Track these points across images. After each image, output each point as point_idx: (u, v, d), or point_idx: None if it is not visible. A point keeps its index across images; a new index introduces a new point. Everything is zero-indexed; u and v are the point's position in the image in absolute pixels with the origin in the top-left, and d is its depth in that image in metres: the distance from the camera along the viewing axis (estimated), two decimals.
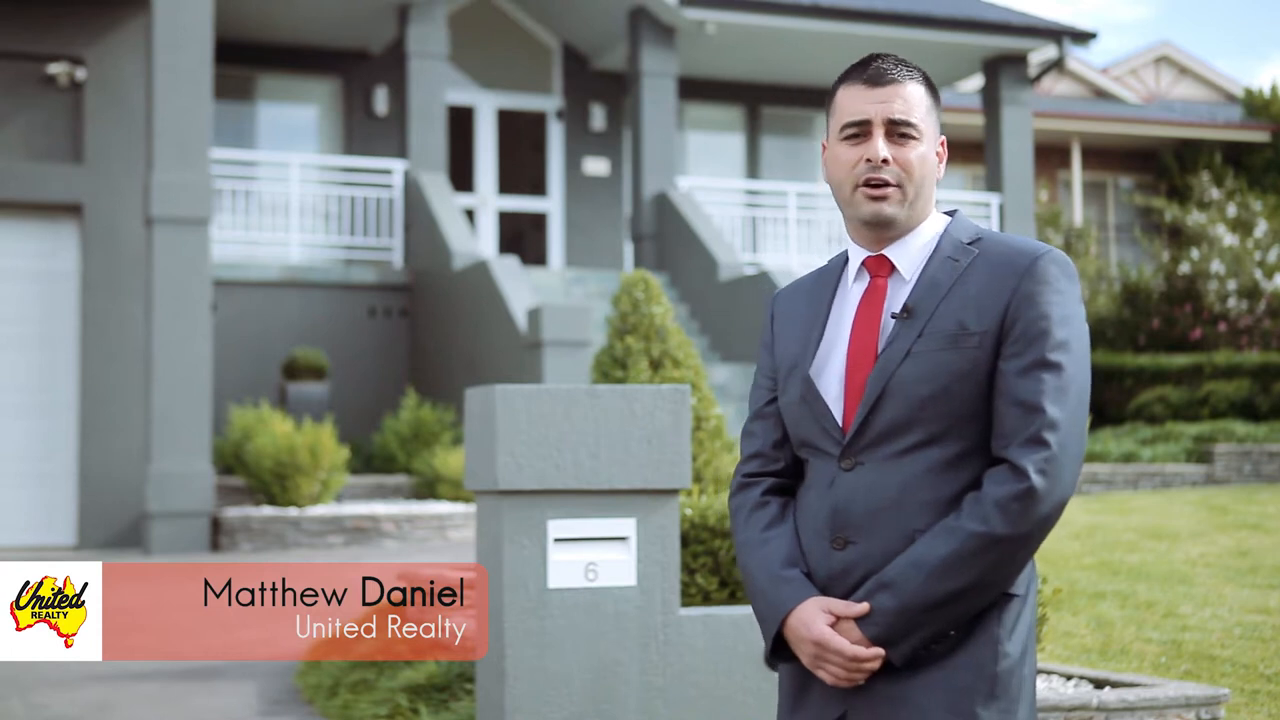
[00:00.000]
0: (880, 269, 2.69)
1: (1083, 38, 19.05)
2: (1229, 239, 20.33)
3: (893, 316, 2.62)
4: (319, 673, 6.93)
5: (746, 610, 4.93)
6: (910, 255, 2.67)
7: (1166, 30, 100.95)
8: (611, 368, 6.69)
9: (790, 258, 18.45)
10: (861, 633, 2.53)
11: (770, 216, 19.09)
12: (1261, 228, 20.61)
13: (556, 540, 4.63)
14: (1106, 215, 25.05)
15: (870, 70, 2.67)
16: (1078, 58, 23.66)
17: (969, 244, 2.65)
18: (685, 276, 16.81)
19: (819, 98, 20.72)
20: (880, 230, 2.66)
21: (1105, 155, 25.04)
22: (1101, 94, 26.99)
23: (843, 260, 2.79)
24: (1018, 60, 19.01)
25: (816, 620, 2.56)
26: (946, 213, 2.75)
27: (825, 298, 2.75)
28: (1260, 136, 24.24)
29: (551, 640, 4.61)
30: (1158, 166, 25.02)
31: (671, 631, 4.75)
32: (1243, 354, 17.98)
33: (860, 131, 2.66)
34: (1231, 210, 21.47)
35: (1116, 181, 25.35)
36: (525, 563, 4.60)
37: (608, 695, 4.65)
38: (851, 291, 2.72)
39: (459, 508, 12.85)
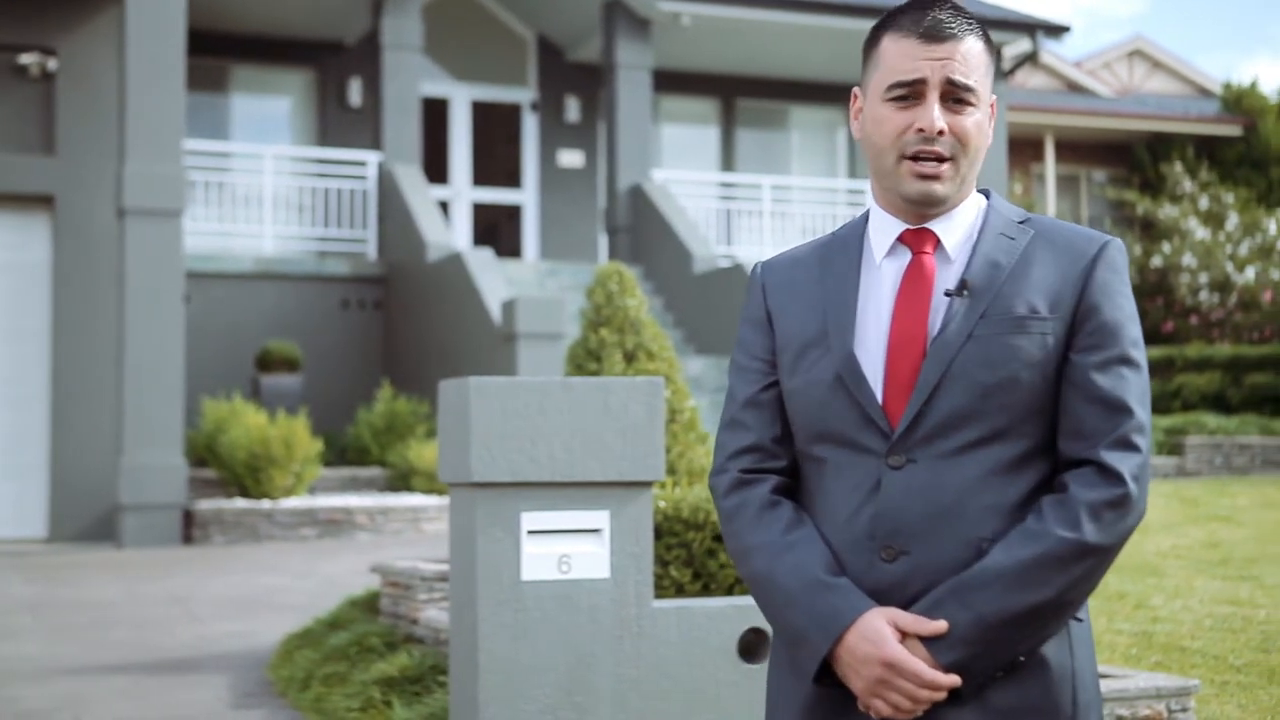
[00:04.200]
0: (923, 244, 2.34)
1: (1056, 31, 19.11)
2: (1201, 232, 20.44)
3: (946, 294, 2.28)
4: (292, 665, 6.91)
5: (720, 603, 4.94)
6: (956, 231, 2.34)
7: (1160, 24, 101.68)
8: (585, 360, 6.68)
9: (764, 250, 18.47)
10: (930, 653, 2.17)
11: (745, 209, 19.11)
12: (1233, 221, 20.72)
13: (530, 533, 4.62)
14: (1080, 208, 25.14)
15: (928, 21, 2.28)
16: (1051, 51, 23.73)
17: (1020, 223, 2.35)
18: (660, 269, 16.81)
19: (794, 90, 20.74)
20: (925, 208, 2.33)
21: (1078, 148, 25.11)
22: (1075, 87, 27.08)
23: (859, 228, 2.43)
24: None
25: (886, 636, 2.17)
26: (978, 190, 2.44)
27: (848, 268, 2.38)
28: (1233, 130, 24.36)
29: (525, 633, 4.61)
30: (1130, 160, 25.12)
31: (645, 624, 4.75)
32: (1214, 347, 18.09)
33: (911, 93, 2.28)
34: (1204, 203, 21.57)
35: (1089, 175, 25.44)
36: (499, 555, 4.59)
37: (581, 687, 4.65)
38: (884, 267, 2.36)
39: (433, 500, 12.83)
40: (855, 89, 2.41)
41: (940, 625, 2.16)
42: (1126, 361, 2.25)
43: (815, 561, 2.27)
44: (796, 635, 2.27)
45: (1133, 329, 2.28)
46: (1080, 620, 2.28)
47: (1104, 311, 2.26)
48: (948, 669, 2.16)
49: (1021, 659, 2.19)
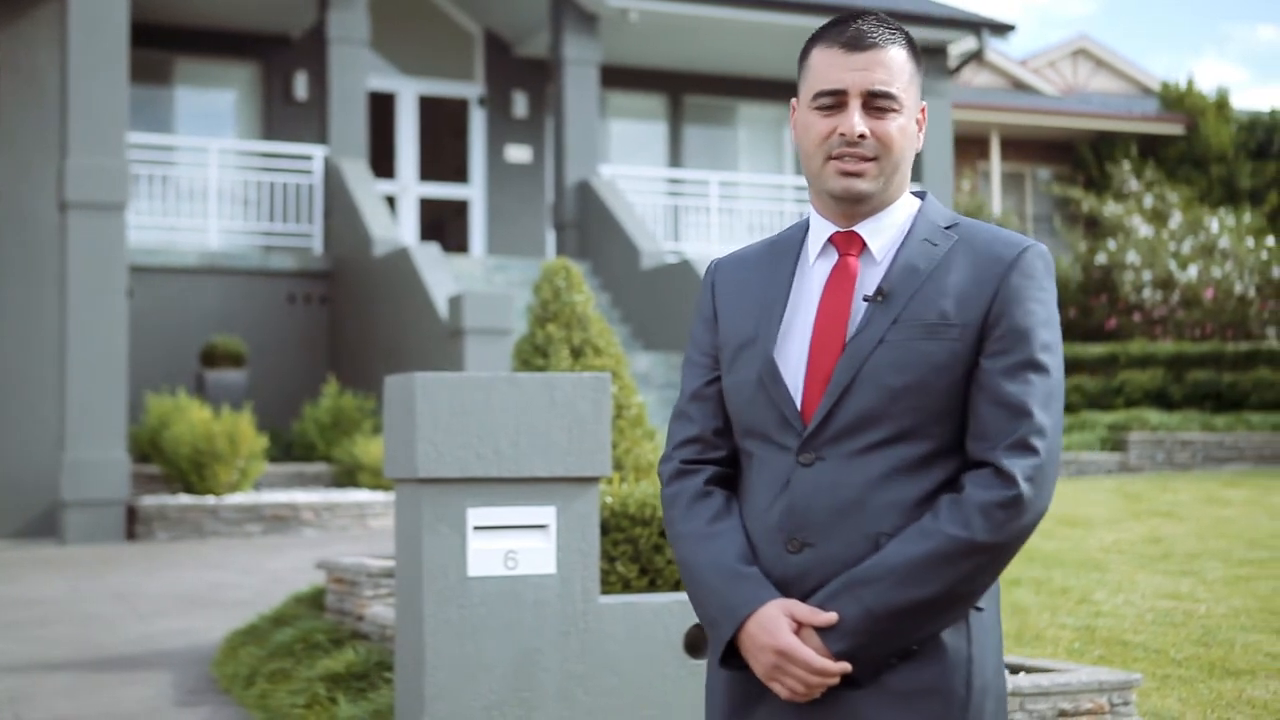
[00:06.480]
0: (850, 246, 2.45)
1: (1002, 29, 19.22)
2: (1144, 230, 20.61)
3: (865, 299, 2.39)
4: (236, 662, 6.87)
5: (666, 598, 4.95)
6: (883, 234, 2.44)
7: (1110, 24, 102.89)
8: (532, 356, 6.68)
9: (712, 246, 18.50)
10: (822, 643, 2.32)
11: (692, 205, 19.13)
12: (1176, 219, 20.91)
13: (476, 528, 4.62)
14: (1025, 206, 25.32)
15: (849, 32, 2.41)
16: (997, 50, 23.88)
17: (946, 228, 2.44)
18: (607, 265, 16.81)
19: (741, 87, 20.77)
20: (851, 205, 2.43)
21: (1023, 146, 25.29)
22: (1020, 86, 27.26)
23: (801, 231, 2.54)
24: (937, 52, 19.15)
25: (781, 626, 2.32)
26: (915, 193, 2.52)
27: (784, 271, 2.50)
28: (1175, 129, 24.58)
29: (471, 628, 4.60)
30: (1075, 158, 25.31)
31: (591, 619, 4.75)
32: (1156, 344, 18.23)
33: (835, 102, 2.40)
34: (1148, 201, 21.75)
35: (1034, 172, 25.62)
36: (445, 551, 4.58)
37: (528, 683, 4.65)
38: (815, 269, 2.47)
39: (379, 496, 12.79)
40: (794, 99, 2.53)
41: (831, 617, 2.32)
42: (1033, 366, 2.34)
43: (732, 552, 2.42)
44: (709, 621, 2.44)
45: (1044, 333, 2.37)
46: (981, 610, 2.39)
47: (1013, 317, 2.35)
48: (838, 657, 2.31)
49: (915, 647, 2.33)
